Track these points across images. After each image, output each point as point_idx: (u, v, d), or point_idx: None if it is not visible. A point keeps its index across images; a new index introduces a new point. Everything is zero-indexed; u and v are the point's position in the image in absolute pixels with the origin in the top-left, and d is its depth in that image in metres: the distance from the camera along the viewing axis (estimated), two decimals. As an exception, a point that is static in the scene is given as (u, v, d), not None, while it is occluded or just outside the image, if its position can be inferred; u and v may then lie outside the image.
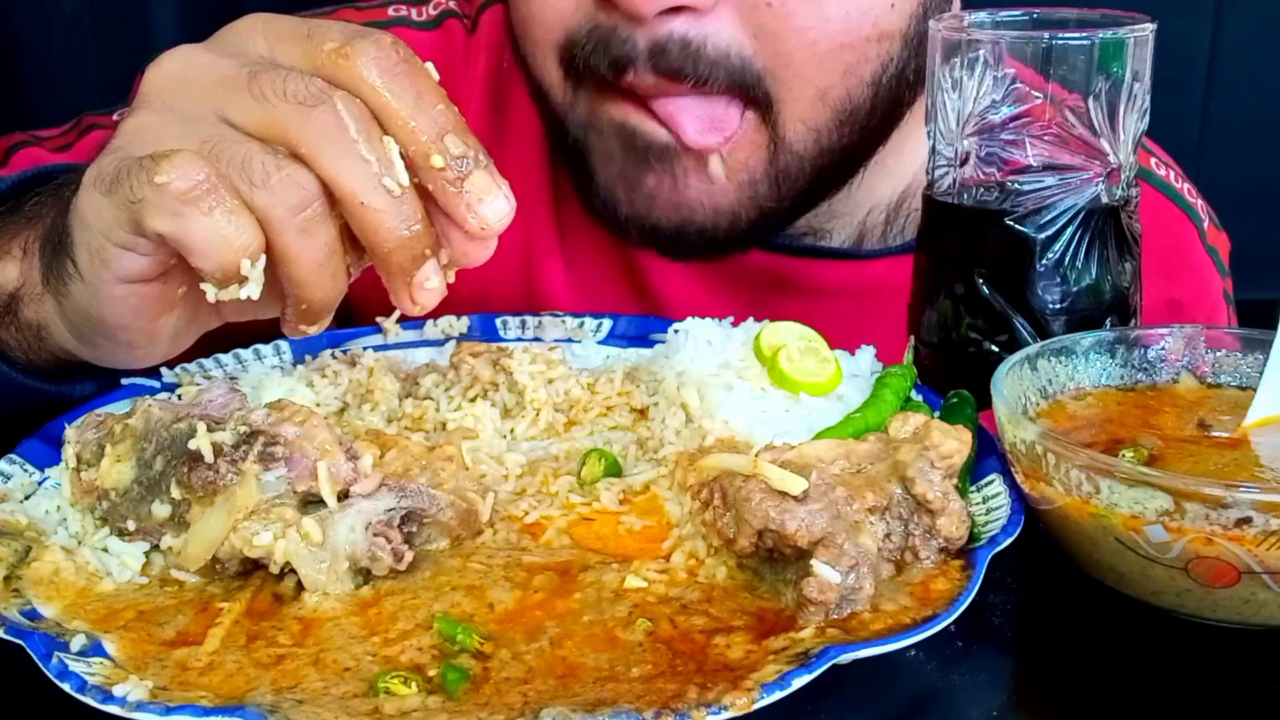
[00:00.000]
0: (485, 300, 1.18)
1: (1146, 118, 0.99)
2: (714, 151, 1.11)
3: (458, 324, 1.15)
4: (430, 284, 0.83)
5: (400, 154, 0.80)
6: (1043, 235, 0.97)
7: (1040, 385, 0.92)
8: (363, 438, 0.90)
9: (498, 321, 1.15)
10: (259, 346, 1.10)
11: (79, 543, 0.85)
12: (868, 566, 0.77)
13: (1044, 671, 0.80)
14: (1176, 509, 0.74)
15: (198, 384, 1.03)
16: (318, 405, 1.02)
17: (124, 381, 1.04)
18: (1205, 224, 1.40)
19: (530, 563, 0.83)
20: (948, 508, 0.81)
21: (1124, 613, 0.82)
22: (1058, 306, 0.99)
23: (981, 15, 1.00)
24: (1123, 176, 0.99)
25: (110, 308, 0.87)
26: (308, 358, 1.09)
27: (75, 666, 0.70)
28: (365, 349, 1.09)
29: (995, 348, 0.99)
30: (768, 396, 0.98)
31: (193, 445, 0.81)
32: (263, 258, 0.79)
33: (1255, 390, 0.90)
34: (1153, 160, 1.40)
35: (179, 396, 1.01)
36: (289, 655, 0.74)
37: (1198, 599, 0.78)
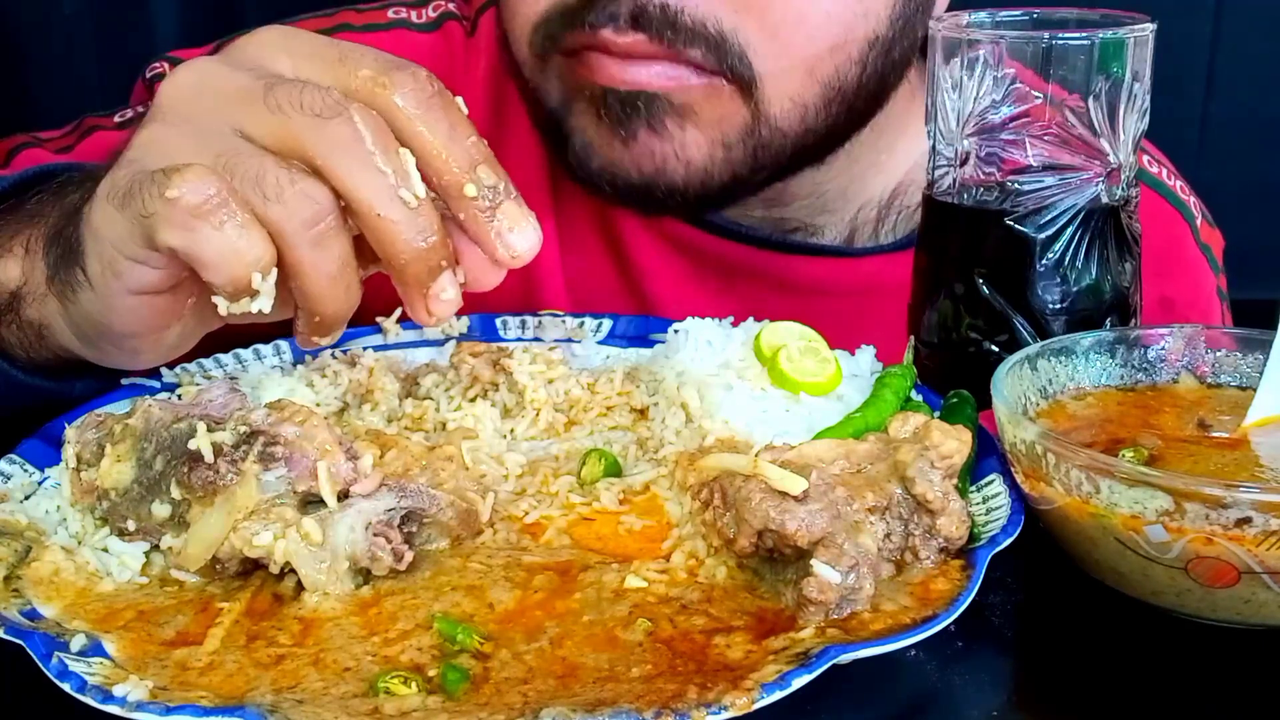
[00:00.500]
0: (483, 298, 1.19)
1: (1146, 118, 0.99)
2: (675, 98, 1.10)
3: (458, 324, 1.15)
4: (446, 295, 0.83)
5: (421, 169, 0.80)
6: (1043, 235, 0.97)
7: (1040, 385, 0.92)
8: (363, 438, 0.90)
9: (498, 321, 1.15)
10: (259, 346, 1.10)
11: (79, 543, 0.85)
12: (868, 566, 0.77)
13: (1044, 671, 0.80)
14: (1176, 509, 0.74)
15: (198, 384, 1.03)
16: (318, 405, 1.02)
17: (124, 381, 1.04)
18: (1198, 221, 1.40)
19: (530, 563, 0.83)
20: (948, 508, 0.81)
21: (1124, 613, 0.82)
22: (1058, 306, 0.99)
23: (981, 15, 1.01)
24: (1123, 176, 0.99)
25: (119, 317, 0.87)
26: (308, 358, 1.09)
27: (75, 666, 0.70)
28: (365, 349, 1.09)
29: (995, 348, 0.99)
30: (768, 396, 0.98)
31: (193, 445, 0.81)
32: (274, 271, 0.79)
33: (1255, 390, 0.90)
34: (1145, 158, 1.40)
35: (179, 396, 1.01)
36: (289, 655, 0.74)
37: (1198, 599, 0.78)
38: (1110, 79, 0.96)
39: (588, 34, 1.09)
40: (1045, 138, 0.97)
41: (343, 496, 0.81)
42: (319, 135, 0.78)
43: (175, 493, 0.81)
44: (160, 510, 0.82)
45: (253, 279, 0.78)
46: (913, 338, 1.04)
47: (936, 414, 0.93)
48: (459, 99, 0.83)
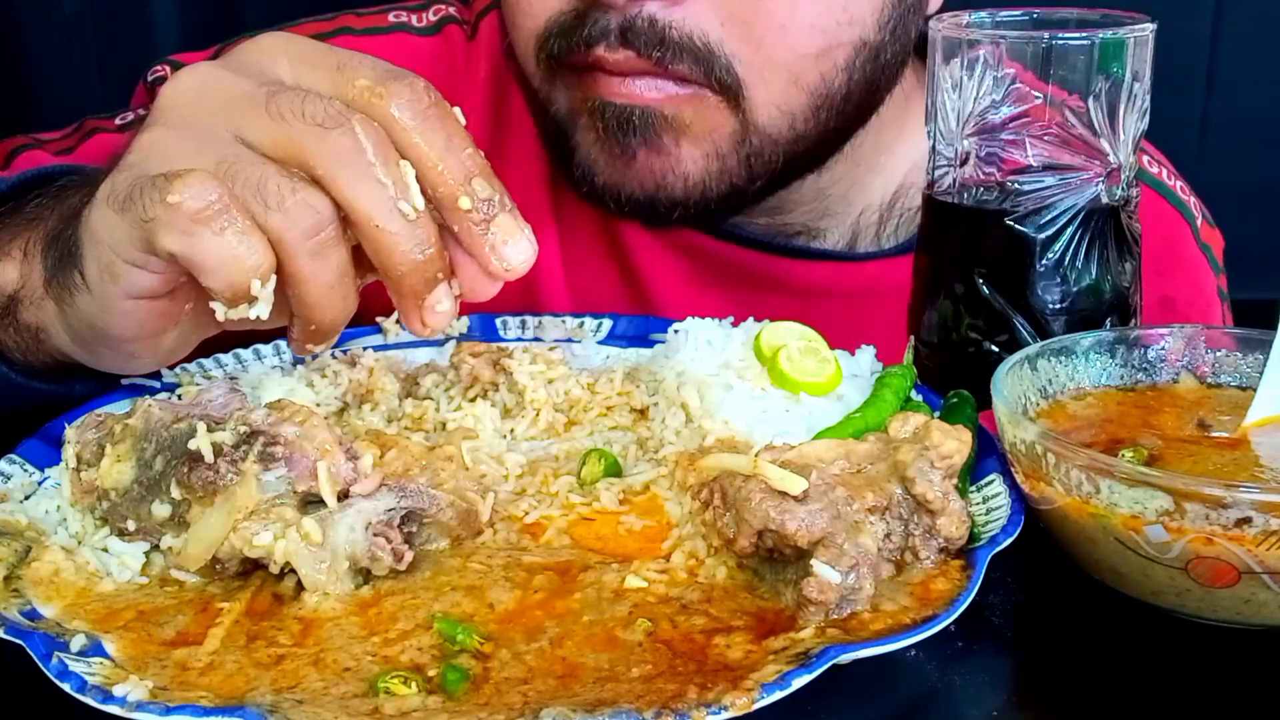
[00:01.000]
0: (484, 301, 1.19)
1: (1146, 118, 0.99)
2: (667, 110, 1.11)
3: (458, 324, 1.15)
4: (441, 307, 0.83)
5: (417, 180, 0.80)
6: (1043, 235, 0.97)
7: (1040, 385, 0.92)
8: (363, 438, 0.90)
9: (498, 321, 1.15)
10: (259, 346, 1.10)
11: (79, 543, 0.85)
12: (868, 566, 0.77)
13: (1044, 671, 0.80)
14: (1176, 509, 0.74)
15: (198, 384, 1.03)
16: (318, 405, 1.02)
17: (124, 381, 1.04)
18: (1198, 221, 1.41)
19: (530, 563, 0.83)
20: (948, 508, 0.81)
21: (1124, 613, 0.82)
22: (1058, 306, 0.99)
23: (981, 15, 1.01)
24: (1123, 176, 0.99)
25: (117, 320, 0.87)
26: (308, 358, 1.09)
27: (75, 666, 0.70)
28: (365, 349, 1.09)
29: (995, 348, 0.99)
30: (768, 396, 0.98)
31: (193, 445, 0.81)
32: (273, 279, 0.79)
33: (1255, 390, 0.90)
34: (1145, 158, 1.40)
35: (179, 396, 1.01)
36: (289, 655, 0.74)
37: (1198, 599, 0.78)
38: (1110, 79, 0.96)
39: (584, 53, 1.10)
40: (1045, 138, 0.97)
41: (343, 496, 0.81)
42: (320, 145, 0.78)
43: (175, 493, 0.81)
44: (160, 510, 0.82)
45: (252, 286, 0.78)
46: (913, 338, 1.05)
47: (936, 414, 0.93)
48: (456, 109, 0.83)
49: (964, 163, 0.99)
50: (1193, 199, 1.41)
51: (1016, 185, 0.98)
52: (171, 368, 1.06)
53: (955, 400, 0.94)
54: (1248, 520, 0.73)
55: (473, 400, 1.03)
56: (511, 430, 1.00)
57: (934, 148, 1.01)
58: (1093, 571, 0.83)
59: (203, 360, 1.08)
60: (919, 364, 1.03)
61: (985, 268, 0.99)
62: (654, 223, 1.22)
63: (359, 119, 0.79)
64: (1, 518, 0.86)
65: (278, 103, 0.79)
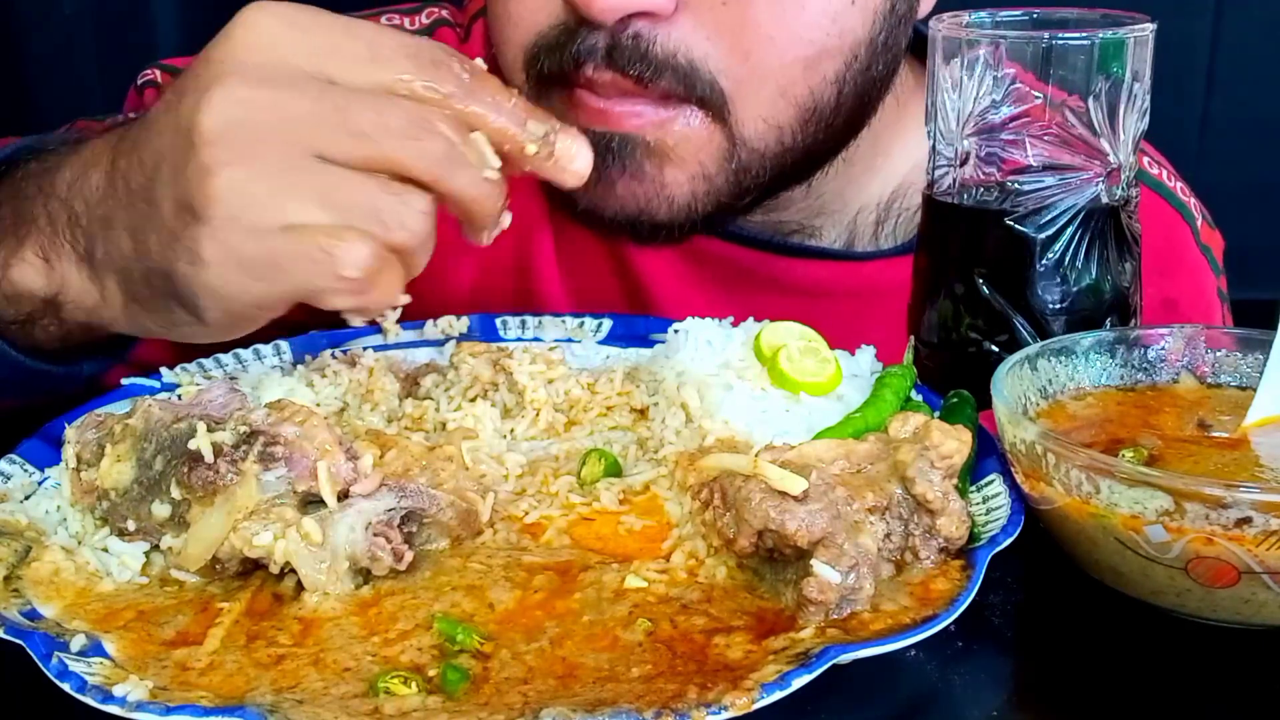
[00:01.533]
0: (482, 297, 1.19)
1: (1146, 118, 0.99)
2: (649, 136, 1.11)
3: (458, 324, 1.15)
4: (504, 224, 0.90)
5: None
6: (1043, 235, 0.97)
7: (1040, 385, 0.92)
8: (363, 438, 0.90)
9: (497, 321, 1.15)
10: (259, 346, 1.10)
11: (79, 543, 0.85)
12: (868, 566, 0.77)
13: (1044, 671, 0.80)
14: (1176, 509, 0.74)
15: (198, 384, 1.03)
16: (318, 405, 1.02)
17: (124, 381, 1.04)
18: (1198, 222, 1.40)
19: (530, 563, 0.83)
20: (948, 508, 0.81)
21: (1124, 613, 0.82)
22: (1058, 306, 0.99)
23: (981, 15, 1.01)
24: (1123, 176, 0.99)
25: (228, 333, 0.90)
26: (308, 358, 1.09)
27: (75, 666, 0.70)
28: (365, 349, 1.09)
29: (995, 348, 0.99)
30: (768, 396, 0.98)
31: (193, 445, 0.81)
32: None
33: (1255, 390, 0.90)
34: (1145, 159, 1.39)
35: (179, 396, 1.01)
36: (289, 655, 0.74)
37: (1198, 599, 0.78)
38: (1110, 79, 0.96)
39: (573, 72, 1.10)
40: (1045, 138, 0.97)
41: (343, 496, 0.81)
42: (415, 156, 0.83)
43: (175, 493, 0.81)
44: (160, 510, 0.82)
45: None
46: (913, 338, 1.04)
47: (936, 414, 0.93)
48: (478, 61, 0.89)
49: (964, 163, 0.99)
50: (1193, 200, 1.41)
51: (1016, 185, 0.98)
52: (171, 367, 1.06)
53: (955, 400, 0.94)
54: (1248, 520, 0.73)
55: (473, 400, 1.02)
56: (511, 430, 1.00)
57: (934, 148, 1.01)
58: (1093, 571, 0.83)
59: (203, 360, 1.08)
60: (919, 364, 1.03)
61: (985, 268, 0.99)
62: (639, 241, 1.22)
63: (437, 118, 0.83)
64: (1, 518, 0.86)
65: (354, 119, 0.82)
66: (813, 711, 0.71)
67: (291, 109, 0.83)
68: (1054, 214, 0.97)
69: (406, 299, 0.86)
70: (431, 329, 1.14)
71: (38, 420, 0.96)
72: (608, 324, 1.15)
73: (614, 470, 0.94)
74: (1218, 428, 0.89)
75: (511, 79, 1.17)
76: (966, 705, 0.75)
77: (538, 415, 1.01)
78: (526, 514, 0.89)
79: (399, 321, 1.14)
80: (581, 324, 1.15)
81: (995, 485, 0.87)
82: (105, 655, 0.73)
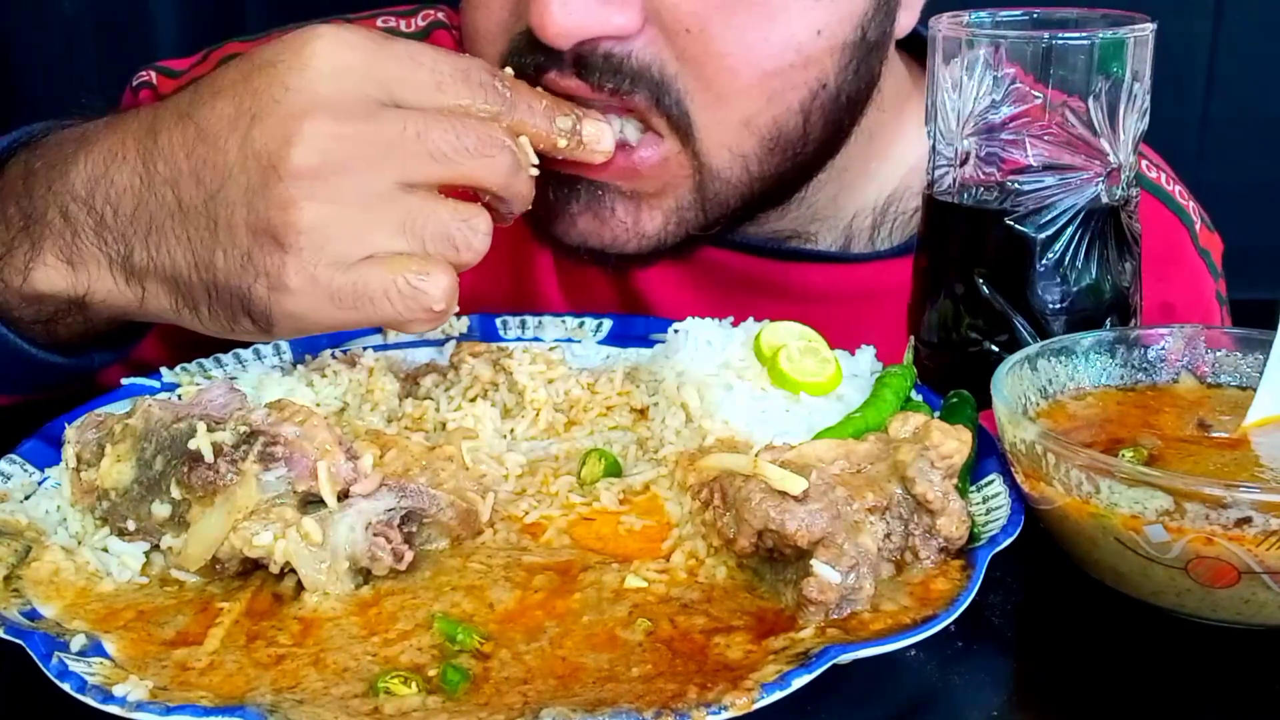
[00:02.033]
0: (481, 298, 1.20)
1: (1146, 118, 0.99)
2: (622, 178, 1.11)
3: (458, 324, 1.15)
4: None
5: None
6: (1043, 235, 0.97)
7: (1040, 385, 0.92)
8: (363, 438, 0.90)
9: (498, 321, 1.15)
10: (259, 346, 1.10)
11: (79, 543, 0.85)
12: (868, 566, 0.77)
13: (1044, 671, 0.80)
14: (1176, 509, 0.74)
15: (198, 384, 1.03)
16: (318, 405, 1.02)
17: (124, 381, 1.04)
18: (1197, 226, 1.40)
19: (530, 563, 0.83)
20: (948, 508, 0.81)
21: (1124, 613, 0.82)
22: (1058, 306, 0.99)
23: (981, 15, 1.00)
24: (1123, 176, 0.99)
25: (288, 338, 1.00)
26: (308, 358, 1.09)
27: (75, 666, 0.70)
28: (365, 349, 1.09)
29: (995, 348, 0.99)
30: (768, 396, 0.98)
31: (193, 445, 0.81)
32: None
33: (1255, 390, 0.90)
34: (1144, 162, 1.39)
35: (179, 396, 1.01)
36: (289, 655, 0.74)
37: (1198, 599, 0.78)
38: (1110, 79, 0.96)
39: (534, 78, 1.07)
40: (1045, 138, 0.97)
41: (343, 496, 0.81)
42: (491, 173, 0.93)
43: (175, 493, 0.81)
44: (160, 510, 0.82)
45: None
46: (913, 338, 1.04)
47: (936, 414, 0.93)
48: (509, 70, 1.02)
49: (964, 163, 0.99)
50: (1191, 204, 1.41)
51: (1016, 185, 0.98)
52: (171, 367, 1.06)
53: (955, 400, 0.94)
54: (1248, 520, 0.73)
55: (473, 400, 1.02)
56: (511, 430, 1.00)
57: (934, 148, 1.01)
58: (1093, 571, 0.83)
59: (203, 360, 1.08)
60: (919, 364, 1.03)
61: (985, 268, 0.99)
62: (606, 267, 1.22)
63: (500, 133, 0.94)
64: (1, 518, 0.86)
65: (434, 144, 0.90)
66: (813, 711, 0.71)
67: (376, 142, 0.89)
68: (1054, 214, 0.97)
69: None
70: (431, 330, 1.14)
71: (38, 420, 0.96)
72: (608, 324, 1.15)
73: (614, 470, 0.94)
74: (1218, 428, 0.89)
75: None
76: (966, 705, 0.75)
77: (538, 415, 1.01)
78: (526, 514, 0.89)
79: None
80: (581, 324, 1.15)
81: (995, 485, 0.87)
82: (105, 655, 0.73)
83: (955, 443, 0.84)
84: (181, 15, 2.05)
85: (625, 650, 0.74)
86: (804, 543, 0.77)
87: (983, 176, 0.99)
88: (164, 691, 0.69)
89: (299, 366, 1.08)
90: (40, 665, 0.70)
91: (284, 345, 1.10)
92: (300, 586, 0.79)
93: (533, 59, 1.07)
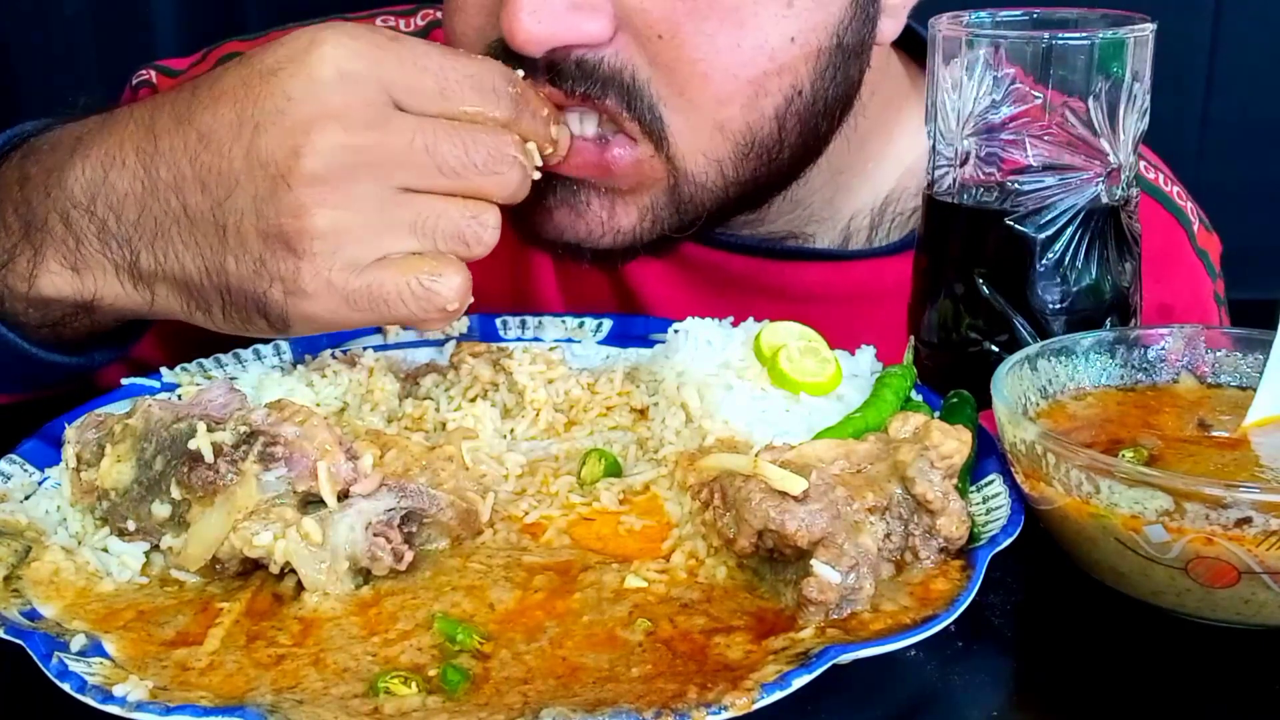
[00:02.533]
0: (479, 296, 1.21)
1: (1146, 118, 0.99)
2: (596, 174, 1.11)
3: (458, 324, 1.14)
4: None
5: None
6: (1043, 235, 0.97)
7: (1040, 385, 0.92)
8: (363, 438, 0.90)
9: (497, 321, 1.15)
10: (259, 346, 1.10)
11: (79, 543, 0.85)
12: (868, 566, 0.77)
13: (1044, 671, 0.80)
14: (1176, 509, 0.74)
15: (198, 384, 1.03)
16: (318, 405, 1.02)
17: (124, 381, 1.04)
18: (1195, 226, 1.40)
19: (530, 563, 0.83)
20: (948, 508, 0.81)
21: (1124, 613, 0.82)
22: (1058, 306, 0.99)
23: (981, 15, 1.00)
24: (1123, 176, 0.99)
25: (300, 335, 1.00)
26: (308, 358, 1.09)
27: (75, 666, 0.70)
28: (365, 349, 1.09)
29: (995, 348, 0.99)
30: (768, 396, 0.98)
31: (193, 445, 0.81)
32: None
33: (1255, 390, 0.90)
34: (1142, 163, 1.39)
35: (179, 396, 1.01)
36: (289, 655, 0.74)
37: (1198, 599, 0.78)
38: (1110, 79, 0.96)
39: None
40: (1045, 138, 0.97)
41: (343, 496, 0.81)
42: (501, 187, 0.94)
43: (175, 493, 0.81)
44: (160, 510, 0.82)
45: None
46: (913, 338, 1.04)
47: (936, 414, 0.93)
48: (519, 73, 1.00)
49: (964, 163, 0.99)
50: (1190, 204, 1.40)
51: (1016, 185, 0.98)
52: (171, 367, 1.06)
53: (955, 400, 0.94)
54: (1248, 520, 0.73)
55: (473, 400, 1.02)
56: (511, 430, 1.00)
57: (934, 148, 1.01)
58: (1093, 571, 0.83)
59: (203, 360, 1.08)
60: (919, 364, 1.03)
61: (985, 268, 0.99)
62: (581, 263, 1.21)
63: (510, 146, 0.94)
64: (1, 518, 0.86)
65: (442, 158, 0.92)
66: (813, 711, 0.71)
67: (383, 151, 0.91)
68: (1054, 214, 0.97)
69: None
70: (431, 330, 1.14)
71: (38, 420, 0.96)
72: (608, 324, 1.15)
73: (614, 470, 0.94)
74: (1218, 428, 0.89)
75: None
76: (966, 705, 0.75)
77: (538, 415, 1.01)
78: (526, 514, 0.89)
79: None
80: (581, 324, 1.15)
81: (995, 485, 0.87)
82: (105, 655, 0.73)
83: (955, 443, 0.84)
84: (181, 15, 2.05)
85: (625, 650, 0.74)
86: (804, 543, 0.77)
87: (983, 176, 0.99)
88: (164, 691, 0.69)
89: (299, 366, 1.08)
90: (40, 665, 0.70)
91: (284, 345, 1.10)
92: (300, 586, 0.79)
93: (510, 59, 1.06)
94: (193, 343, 1.05)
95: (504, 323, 1.15)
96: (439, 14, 1.40)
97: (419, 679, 0.71)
